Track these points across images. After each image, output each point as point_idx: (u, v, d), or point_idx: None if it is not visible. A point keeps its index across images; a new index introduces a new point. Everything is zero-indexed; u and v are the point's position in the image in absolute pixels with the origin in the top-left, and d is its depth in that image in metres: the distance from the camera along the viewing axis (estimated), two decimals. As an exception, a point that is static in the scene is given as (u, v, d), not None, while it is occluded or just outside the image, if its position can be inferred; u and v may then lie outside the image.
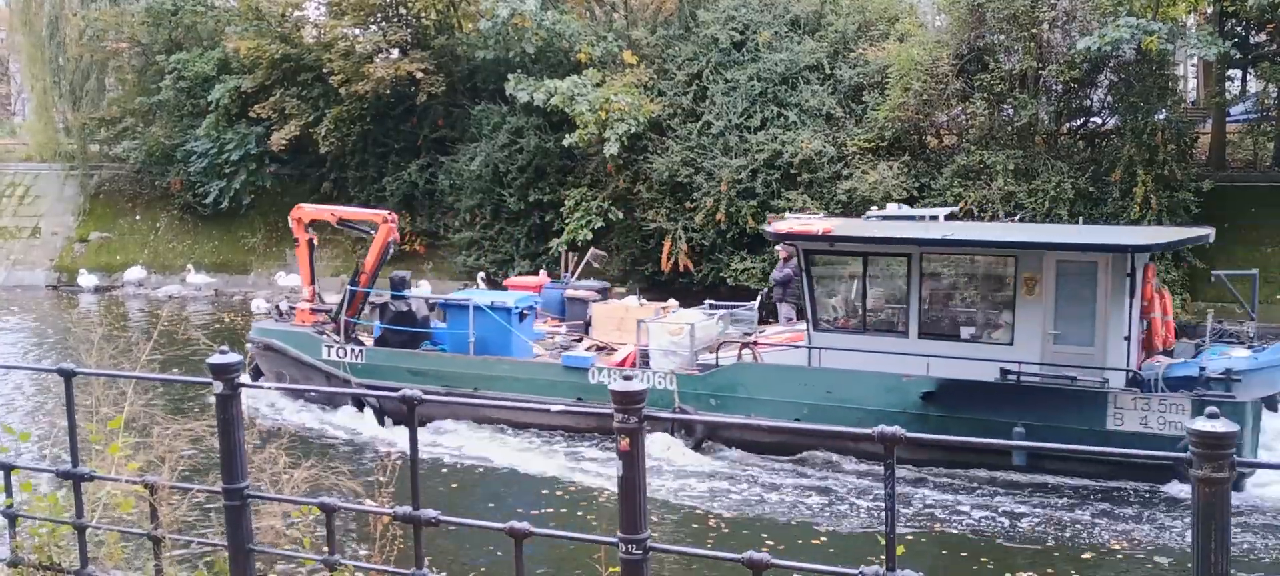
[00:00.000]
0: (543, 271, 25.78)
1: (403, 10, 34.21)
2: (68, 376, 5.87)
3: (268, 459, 6.79)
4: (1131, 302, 14.96)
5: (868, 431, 4.15)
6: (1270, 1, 23.03)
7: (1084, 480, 14.37)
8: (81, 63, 39.65)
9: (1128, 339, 14.88)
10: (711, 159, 27.94)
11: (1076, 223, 24.85)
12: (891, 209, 20.61)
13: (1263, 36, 27.56)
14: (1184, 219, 24.97)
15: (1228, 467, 3.58)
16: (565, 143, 29.27)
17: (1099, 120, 27.73)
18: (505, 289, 21.87)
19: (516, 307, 18.55)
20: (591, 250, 25.18)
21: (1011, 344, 15.39)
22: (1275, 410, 16.51)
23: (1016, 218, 22.52)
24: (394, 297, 19.31)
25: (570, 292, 20.52)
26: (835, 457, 15.70)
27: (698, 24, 30.12)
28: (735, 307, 19.95)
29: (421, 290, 20.70)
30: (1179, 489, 13.89)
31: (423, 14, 33.75)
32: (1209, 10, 26.91)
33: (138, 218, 39.51)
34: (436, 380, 17.91)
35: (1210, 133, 28.37)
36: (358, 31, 33.70)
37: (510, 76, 29.78)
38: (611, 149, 28.16)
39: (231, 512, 5.26)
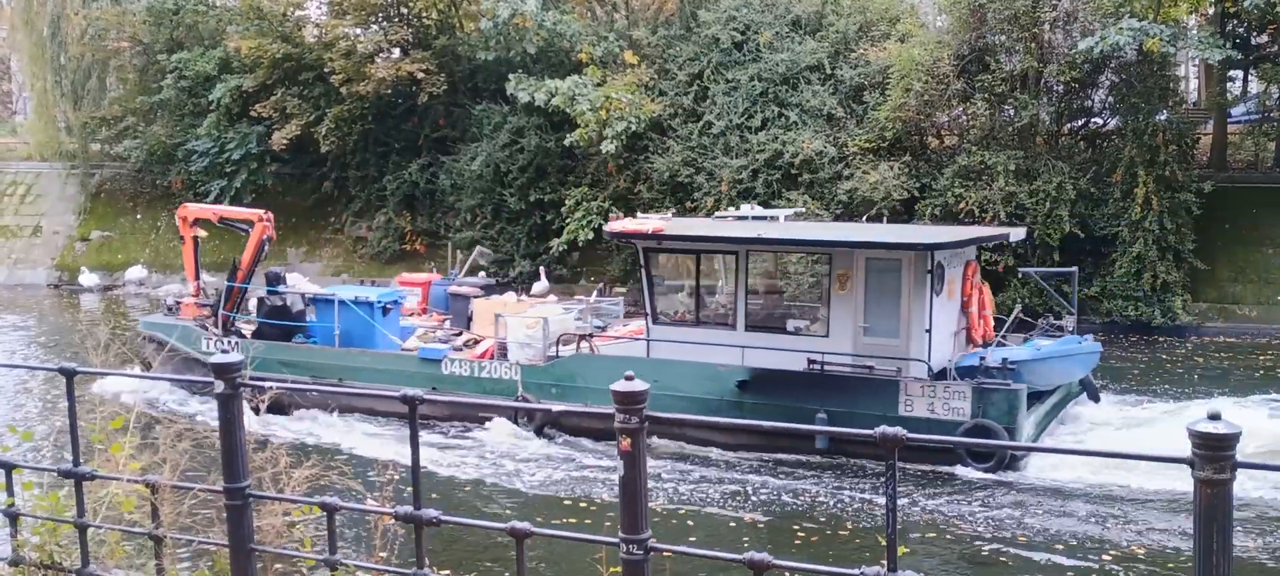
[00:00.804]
0: (433, 269, 27.29)
1: (404, 10, 34.21)
2: (69, 375, 5.88)
3: (268, 458, 6.79)
4: (933, 298, 15.70)
5: (869, 432, 4.14)
6: (1271, 2, 23.01)
7: (875, 461, 15.15)
8: (83, 62, 39.65)
9: (929, 332, 15.62)
10: (712, 159, 27.94)
11: (1075, 223, 24.93)
12: (744, 209, 21.47)
13: (1264, 38, 27.56)
14: (1185, 220, 25.00)
15: (1229, 469, 3.58)
16: (566, 142, 29.28)
17: (1100, 121, 27.74)
18: (383, 286, 22.78)
19: (379, 302, 19.32)
20: (477, 248, 26.37)
21: (827, 336, 16.28)
22: (1098, 401, 18.00)
23: (884, 218, 23.13)
24: (269, 292, 20.26)
25: (452, 289, 21.24)
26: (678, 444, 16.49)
27: (699, 24, 30.13)
28: (601, 301, 20.96)
29: (298, 284, 21.85)
30: (962, 471, 14.95)
31: (424, 14, 33.75)
32: (1210, 11, 26.91)
33: (139, 217, 39.52)
34: (305, 370, 18.73)
35: (1211, 134, 28.39)
36: (359, 31, 33.72)
37: (511, 76, 29.79)
38: (609, 147, 28.17)
39: (233, 512, 5.26)
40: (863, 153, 26.88)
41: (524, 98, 29.38)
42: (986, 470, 14.93)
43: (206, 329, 20.27)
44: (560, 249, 30.54)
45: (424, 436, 16.47)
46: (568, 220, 30.29)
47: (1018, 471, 14.91)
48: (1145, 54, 24.04)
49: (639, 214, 29.18)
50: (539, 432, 17.11)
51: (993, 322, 17.64)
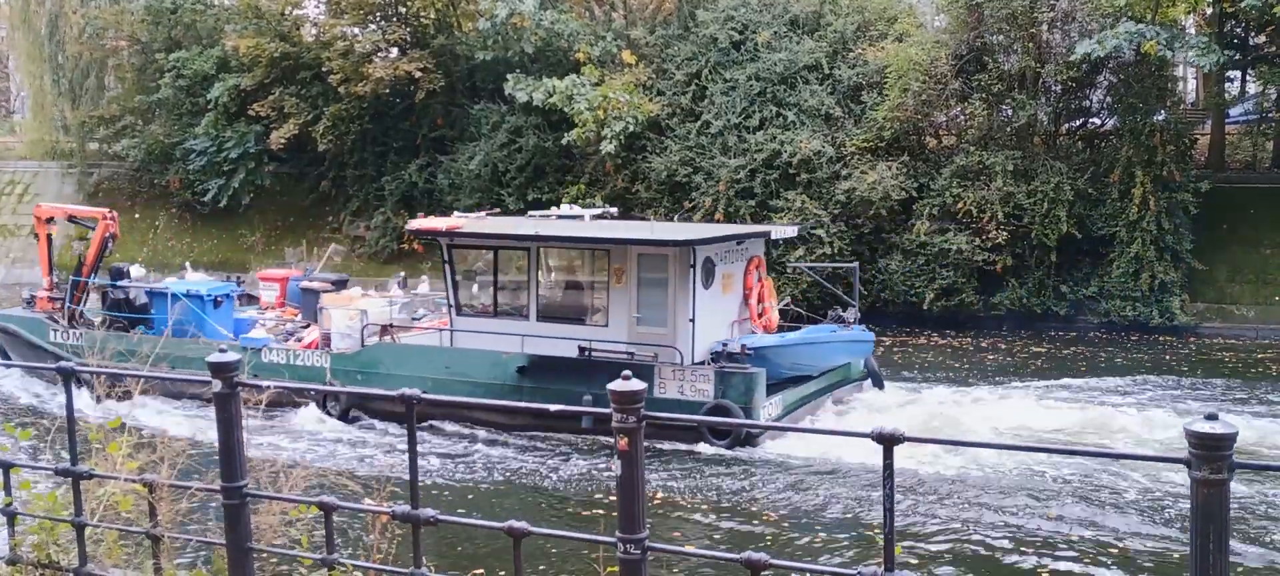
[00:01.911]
0: (294, 266, 28.29)
1: (402, 9, 34.20)
2: (67, 375, 5.88)
3: (266, 458, 6.79)
4: (698, 290, 16.95)
5: (867, 432, 4.14)
6: (1269, 2, 23.03)
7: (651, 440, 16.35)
8: (81, 61, 39.61)
9: (692, 321, 16.82)
10: (710, 158, 27.94)
11: (1073, 223, 24.96)
12: (564, 209, 22.55)
13: (1262, 38, 27.58)
14: (1183, 220, 25.03)
15: (1226, 469, 3.59)
16: (563, 140, 29.29)
17: (1098, 121, 27.76)
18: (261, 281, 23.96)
19: (209, 295, 20.67)
20: (331, 246, 27.31)
21: (607, 326, 17.55)
22: (881, 388, 19.31)
23: (676, 219, 24.51)
24: (113, 287, 21.49)
25: (304, 284, 22.07)
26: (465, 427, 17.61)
27: (697, 24, 30.12)
28: (429, 295, 22.32)
29: (139, 279, 23.13)
30: (705, 447, 16.26)
31: (422, 13, 33.74)
32: (1208, 12, 26.93)
33: (137, 216, 39.48)
34: (141, 359, 19.38)
35: (1209, 134, 28.41)
36: (357, 30, 33.69)
37: (509, 76, 29.79)
38: (608, 147, 28.18)
39: (231, 511, 5.26)
40: (861, 153, 26.89)
41: (522, 97, 29.38)
42: (725, 446, 16.22)
43: (55, 321, 21.36)
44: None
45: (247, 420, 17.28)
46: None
47: (755, 448, 16.32)
48: (1143, 55, 24.05)
49: (637, 213, 29.33)
50: (343, 417, 18.18)
51: (775, 313, 18.98)
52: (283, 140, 33.89)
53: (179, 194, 37.74)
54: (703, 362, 16.82)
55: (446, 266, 18.71)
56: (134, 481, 6.08)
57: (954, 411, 17.96)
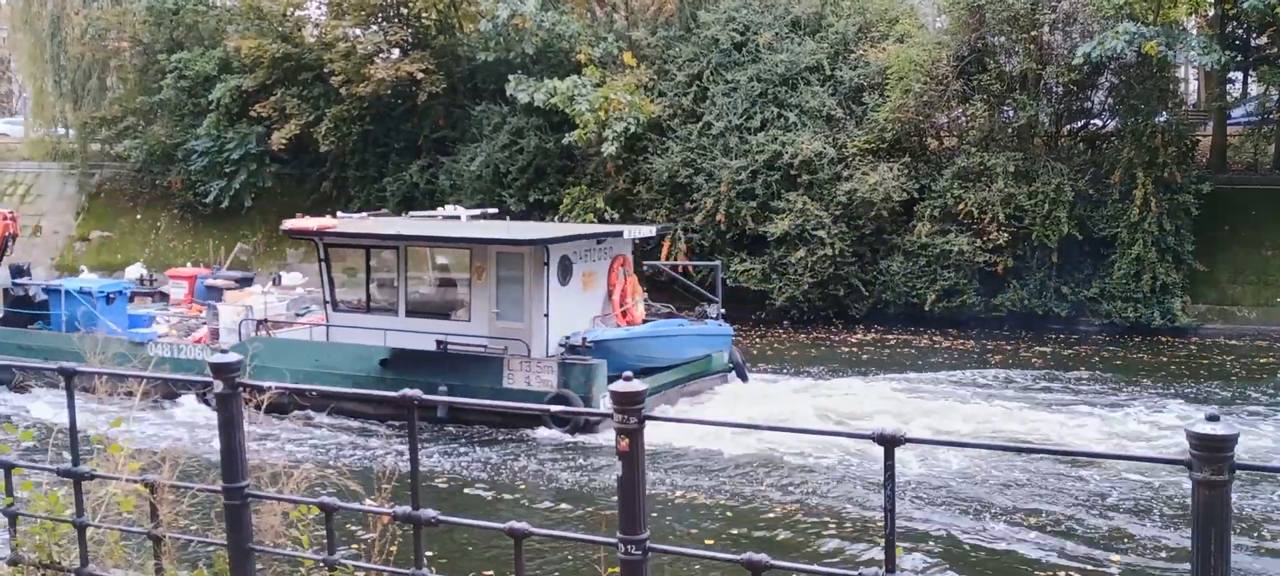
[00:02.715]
0: (199, 264, 29.25)
1: (403, 10, 34.20)
2: (68, 375, 5.88)
3: (267, 459, 6.79)
4: (552, 287, 17.93)
5: (867, 433, 4.14)
6: (1270, 3, 23.01)
7: (489, 427, 17.43)
8: (83, 62, 39.62)
9: (547, 316, 17.82)
10: (711, 160, 27.94)
11: (1074, 224, 24.96)
12: (447, 209, 23.37)
13: (1263, 39, 27.57)
14: (1184, 221, 25.02)
15: (1227, 470, 3.59)
16: (565, 142, 29.29)
17: (1099, 122, 27.75)
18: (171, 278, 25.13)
19: (101, 292, 21.42)
20: (238, 245, 28.30)
21: (469, 321, 18.46)
22: (745, 380, 20.30)
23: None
24: (14, 285, 22.65)
25: (209, 282, 22.89)
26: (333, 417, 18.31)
27: (698, 25, 30.12)
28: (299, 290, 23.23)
29: (38, 277, 24.54)
30: (544, 433, 17.26)
31: (423, 14, 33.74)
32: (1210, 13, 26.92)
33: (138, 217, 39.52)
34: (37, 353, 20.25)
35: (1211, 135, 28.39)
36: (358, 31, 33.69)
37: (511, 77, 29.79)
38: (610, 149, 28.18)
39: (232, 512, 5.26)
40: (862, 154, 26.88)
41: (523, 98, 29.38)
42: (567, 432, 17.19)
43: None
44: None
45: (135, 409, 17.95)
46: (564, 220, 30.30)
47: (595, 434, 17.17)
48: (1144, 56, 24.04)
49: (638, 215, 29.34)
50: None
51: (639, 310, 19.92)
52: (284, 141, 33.90)
53: (180, 195, 37.75)
54: (552, 355, 17.77)
55: (322, 265, 19.58)
56: (135, 482, 6.08)
57: (809, 401, 19.05)
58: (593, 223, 29.47)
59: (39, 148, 41.64)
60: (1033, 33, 25.35)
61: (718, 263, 22.64)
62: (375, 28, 34.07)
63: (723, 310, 20.74)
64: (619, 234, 19.85)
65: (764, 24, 29.10)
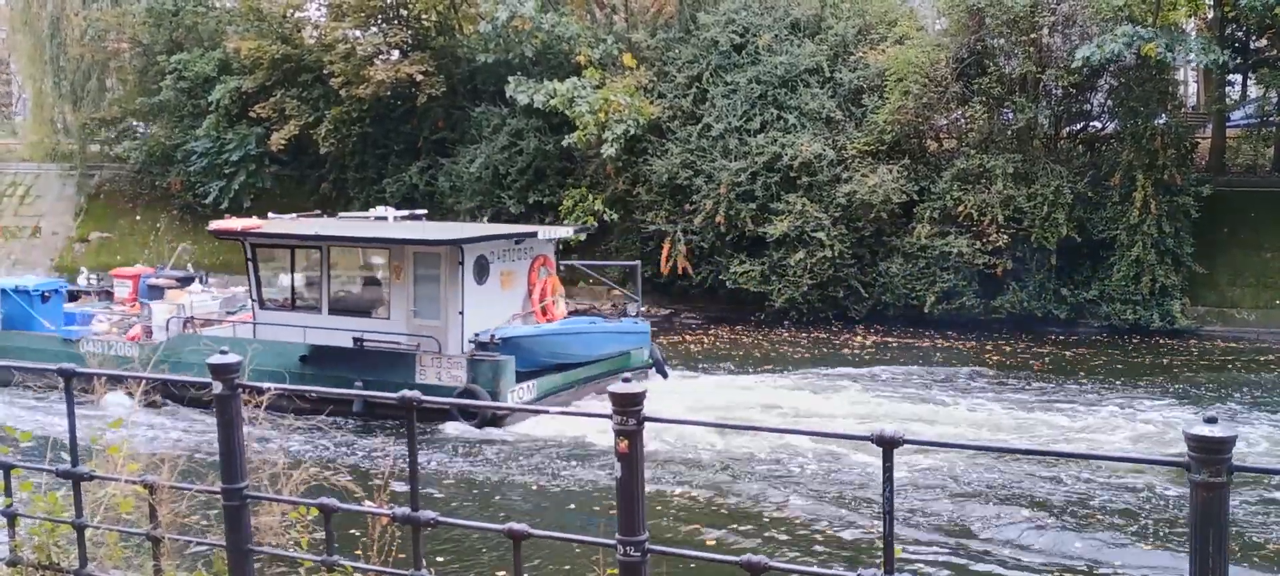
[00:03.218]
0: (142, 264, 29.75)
1: (403, 12, 34.21)
2: (68, 376, 5.88)
3: (267, 459, 6.80)
4: (467, 285, 18.47)
5: (866, 434, 4.14)
6: (1269, 5, 23.03)
7: (399, 421, 17.34)
8: (82, 63, 39.64)
9: (462, 314, 18.34)
10: (711, 161, 27.94)
11: (1073, 226, 24.97)
12: (377, 211, 23.70)
13: (1263, 42, 27.58)
14: (1184, 223, 25.03)
15: (1225, 472, 3.59)
16: (564, 143, 29.30)
17: (1099, 125, 27.75)
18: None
19: (36, 291, 22.04)
20: (181, 246, 29.23)
21: (388, 318, 19.07)
22: (665, 376, 20.80)
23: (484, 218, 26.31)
24: None
25: (151, 281, 23.35)
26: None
27: (698, 27, 30.13)
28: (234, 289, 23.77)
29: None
30: (454, 427, 17.61)
31: (423, 16, 33.75)
32: (1209, 15, 26.94)
33: (138, 218, 39.52)
34: None
35: (1210, 138, 28.40)
36: (358, 33, 33.70)
37: (510, 79, 29.79)
38: (609, 150, 28.18)
39: (231, 513, 5.27)
40: (861, 155, 26.89)
41: (523, 100, 29.38)
42: (474, 425, 17.59)
43: None
44: (556, 250, 30.48)
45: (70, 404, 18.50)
46: (564, 221, 30.31)
47: (502, 427, 17.75)
48: (1144, 58, 24.06)
49: (637, 216, 29.37)
50: (151, 404, 19.37)
51: (560, 308, 20.59)
52: (283, 142, 33.91)
53: (180, 196, 37.76)
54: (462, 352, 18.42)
55: (249, 264, 20.14)
56: (134, 482, 6.08)
57: (726, 396, 19.84)
58: (592, 224, 29.62)
59: (39, 149, 41.64)
60: (1032, 35, 25.35)
61: (638, 262, 23.63)
62: (375, 29, 34.07)
63: (642, 309, 21.60)
64: (534, 234, 20.41)
65: (763, 26, 29.11)
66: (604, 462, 15.54)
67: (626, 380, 4.42)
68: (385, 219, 22.01)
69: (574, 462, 15.99)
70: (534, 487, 15.07)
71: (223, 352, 5.01)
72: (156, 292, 22.44)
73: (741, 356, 24.14)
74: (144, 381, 17.82)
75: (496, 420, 17.64)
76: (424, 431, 17.36)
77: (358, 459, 16.29)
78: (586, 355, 19.75)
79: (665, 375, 20.88)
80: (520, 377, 18.04)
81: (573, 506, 14.25)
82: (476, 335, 18.23)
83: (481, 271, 18.91)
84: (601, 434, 16.32)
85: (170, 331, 20.11)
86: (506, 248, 19.52)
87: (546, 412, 18.66)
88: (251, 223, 20.75)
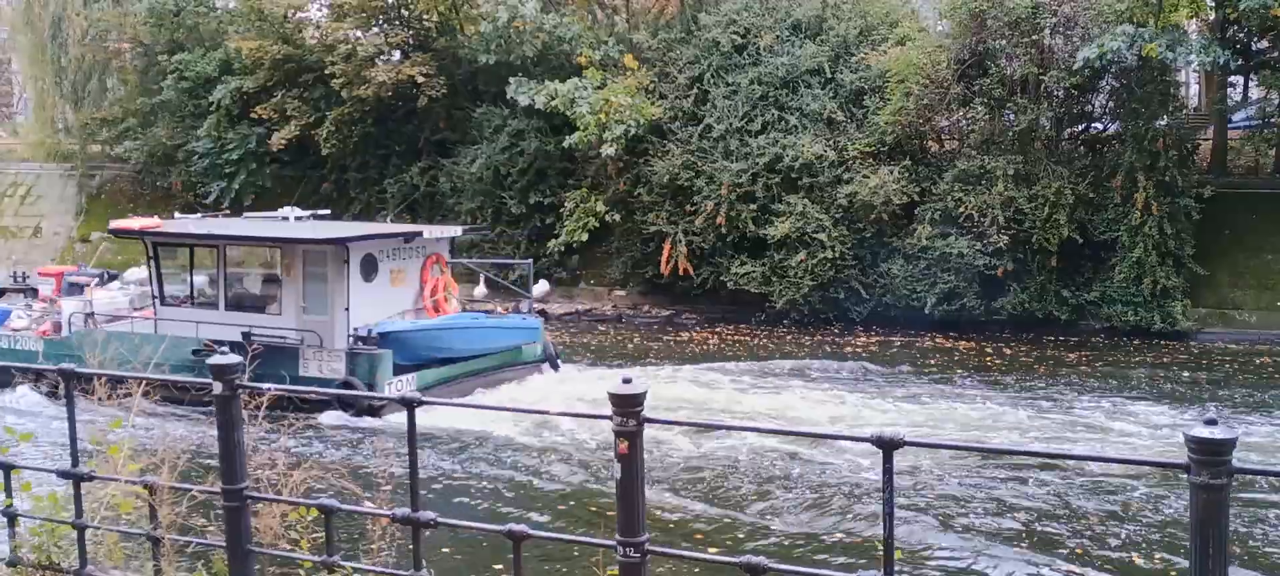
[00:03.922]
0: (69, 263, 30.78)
1: (404, 12, 34.23)
2: (68, 376, 5.88)
3: (267, 460, 6.80)
4: (352, 282, 19.29)
5: (866, 436, 4.14)
6: (1269, 6, 23.01)
7: (283, 410, 17.52)
8: (83, 63, 39.67)
9: (347, 310, 19.18)
10: (712, 162, 27.94)
11: (1074, 228, 24.95)
12: (284, 211, 24.37)
13: (1264, 43, 27.56)
14: (1185, 225, 25.02)
15: (1225, 474, 3.59)
16: (565, 144, 29.30)
17: (1100, 126, 27.72)
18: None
19: None
20: (103, 245, 29.98)
21: (280, 314, 19.86)
22: (557, 370, 21.60)
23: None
24: None
25: (72, 279, 24.03)
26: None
27: (699, 27, 30.13)
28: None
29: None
30: (332, 417, 17.98)
31: (424, 16, 33.76)
32: (1211, 17, 26.91)
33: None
34: None
35: (1212, 139, 28.38)
36: (359, 34, 33.72)
37: (511, 80, 29.79)
38: (609, 150, 28.17)
39: (231, 513, 5.27)
40: (863, 157, 26.87)
41: (524, 100, 29.39)
42: (353, 415, 18.08)
43: None
44: (558, 251, 30.56)
45: None
46: (565, 222, 30.33)
47: (381, 419, 18.19)
48: (1145, 60, 24.05)
49: (638, 216, 29.38)
50: (51, 394, 19.79)
51: (453, 304, 21.46)
52: (283, 142, 33.94)
53: (181, 196, 37.74)
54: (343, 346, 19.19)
55: (150, 262, 21.04)
56: (134, 483, 6.09)
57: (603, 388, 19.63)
58: (593, 224, 29.74)
59: (40, 149, 41.67)
60: (1034, 37, 25.34)
61: (530, 261, 25.38)
62: (376, 30, 34.10)
63: (534, 305, 22.71)
64: (421, 234, 21.20)
65: (765, 27, 29.10)
66: (484, 453, 16.41)
67: (627, 381, 4.42)
68: (287, 219, 22.78)
69: (461, 452, 16.38)
70: (438, 471, 15.50)
71: (215, 351, 4.98)
72: (77, 289, 23.16)
73: (720, 353, 24.13)
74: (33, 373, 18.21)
75: (373, 410, 18.23)
76: (308, 420, 17.54)
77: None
78: (470, 349, 20.37)
79: (557, 368, 21.69)
80: (400, 371, 18.74)
81: (465, 499, 14.34)
82: (355, 330, 19.02)
83: (370, 269, 19.79)
84: (493, 423, 17.28)
85: (72, 327, 20.97)
86: (397, 246, 20.37)
87: (471, 406, 19.32)
88: (150, 222, 21.72)
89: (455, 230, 23.02)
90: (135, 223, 21.63)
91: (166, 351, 18.85)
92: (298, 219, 22.65)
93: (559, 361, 21.96)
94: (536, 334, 21.57)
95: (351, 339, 18.93)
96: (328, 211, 27.42)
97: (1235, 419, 17.65)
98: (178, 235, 21.36)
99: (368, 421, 18.10)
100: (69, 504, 6.01)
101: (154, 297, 21.18)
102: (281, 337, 19.11)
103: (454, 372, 19.80)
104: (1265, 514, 13.50)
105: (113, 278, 24.74)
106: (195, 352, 19.01)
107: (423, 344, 19.52)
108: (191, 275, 21.16)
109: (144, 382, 7.68)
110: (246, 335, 18.61)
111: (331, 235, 20.11)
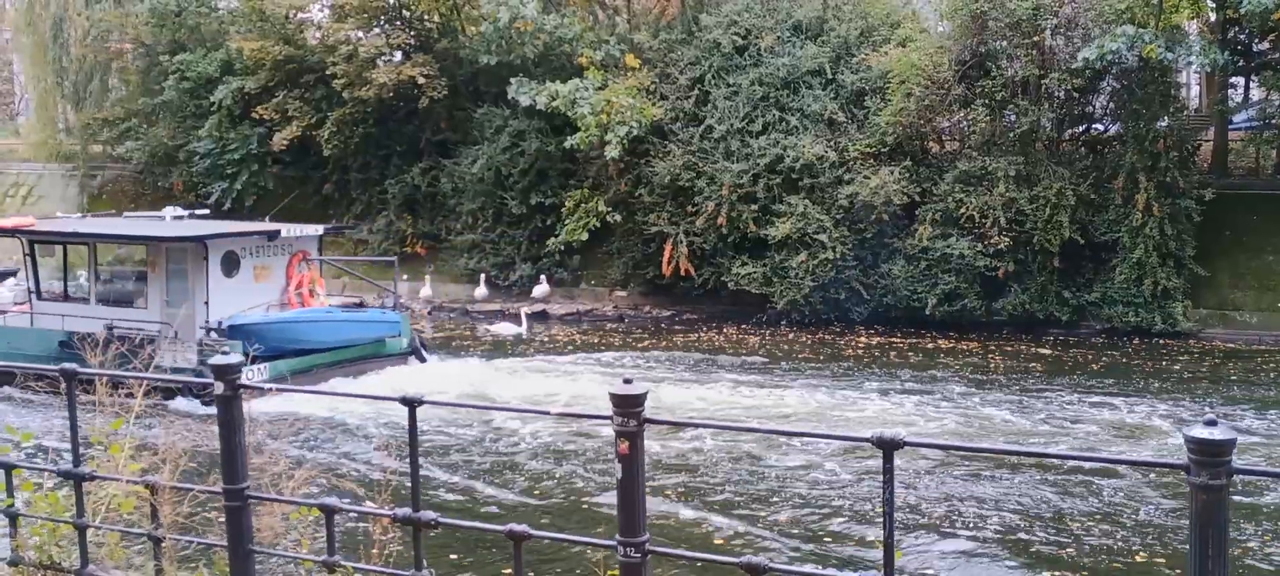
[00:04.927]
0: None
1: (406, 13, 34.25)
2: (69, 376, 5.89)
3: (268, 460, 6.81)
4: (211, 278, 20.40)
5: (866, 436, 4.15)
6: (1270, 7, 23.01)
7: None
8: (85, 63, 39.70)
9: (206, 304, 20.31)
10: (713, 163, 27.94)
11: (1076, 229, 24.94)
12: (166, 210, 25.55)
13: (1265, 44, 27.57)
14: (1186, 226, 25.02)
15: (1225, 475, 3.59)
16: (566, 144, 29.31)
17: (1101, 127, 27.72)
18: None
19: None
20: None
21: (147, 308, 21.12)
22: (424, 361, 22.69)
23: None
24: None
25: None
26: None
27: (700, 28, 30.12)
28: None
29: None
30: (181, 402, 18.28)
31: (426, 17, 33.77)
32: (1212, 18, 26.92)
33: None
34: None
35: (1213, 140, 28.38)
36: (361, 34, 33.74)
37: (512, 80, 29.80)
38: (612, 151, 28.18)
39: (232, 513, 5.28)
40: (863, 157, 26.87)
41: (525, 101, 29.40)
42: (204, 403, 17.97)
43: None
44: (558, 251, 30.57)
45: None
46: (566, 222, 30.34)
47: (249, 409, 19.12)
48: (1146, 61, 24.05)
49: (639, 217, 29.40)
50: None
51: (319, 299, 22.57)
52: (285, 143, 33.96)
53: (183, 196, 37.73)
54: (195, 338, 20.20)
55: (27, 259, 22.18)
56: (136, 483, 6.09)
57: (480, 379, 21.49)
58: (594, 224, 29.75)
59: (41, 149, 41.69)
60: (1035, 38, 25.34)
61: (394, 258, 27.26)
62: (377, 31, 34.11)
63: (398, 300, 24.04)
64: (279, 232, 22.32)
65: (766, 27, 29.09)
66: (323, 438, 17.09)
67: (628, 381, 4.42)
68: (162, 218, 24.19)
69: (309, 436, 16.89)
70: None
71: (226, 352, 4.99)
72: None
73: (721, 353, 24.16)
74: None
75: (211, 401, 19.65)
76: (159, 406, 18.02)
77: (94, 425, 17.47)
78: (325, 341, 21.30)
79: (423, 360, 22.74)
80: (253, 361, 19.25)
81: (360, 481, 14.52)
82: (205, 321, 20.13)
83: (231, 265, 21.06)
84: (338, 410, 18.13)
85: None
86: (260, 244, 21.64)
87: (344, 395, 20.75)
88: (26, 221, 23.22)
89: (318, 228, 23.98)
90: (10, 221, 22.92)
91: (36, 344, 20.66)
92: (175, 218, 24.01)
93: (425, 354, 23.05)
94: (399, 327, 22.57)
95: (204, 331, 19.94)
96: (206, 211, 29.05)
97: (1236, 420, 17.65)
98: (51, 233, 22.77)
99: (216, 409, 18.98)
100: (70, 503, 6.02)
101: (30, 293, 22.34)
102: (140, 329, 20.14)
103: (311, 363, 20.66)
104: (1266, 514, 13.50)
105: (10, 275, 25.97)
106: (62, 344, 19.94)
107: (275, 336, 20.28)
108: (66, 272, 22.62)
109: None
110: (109, 327, 19.73)
111: (193, 233, 21.21)
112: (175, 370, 19.27)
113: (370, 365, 21.85)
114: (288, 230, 22.57)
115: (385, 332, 22.45)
